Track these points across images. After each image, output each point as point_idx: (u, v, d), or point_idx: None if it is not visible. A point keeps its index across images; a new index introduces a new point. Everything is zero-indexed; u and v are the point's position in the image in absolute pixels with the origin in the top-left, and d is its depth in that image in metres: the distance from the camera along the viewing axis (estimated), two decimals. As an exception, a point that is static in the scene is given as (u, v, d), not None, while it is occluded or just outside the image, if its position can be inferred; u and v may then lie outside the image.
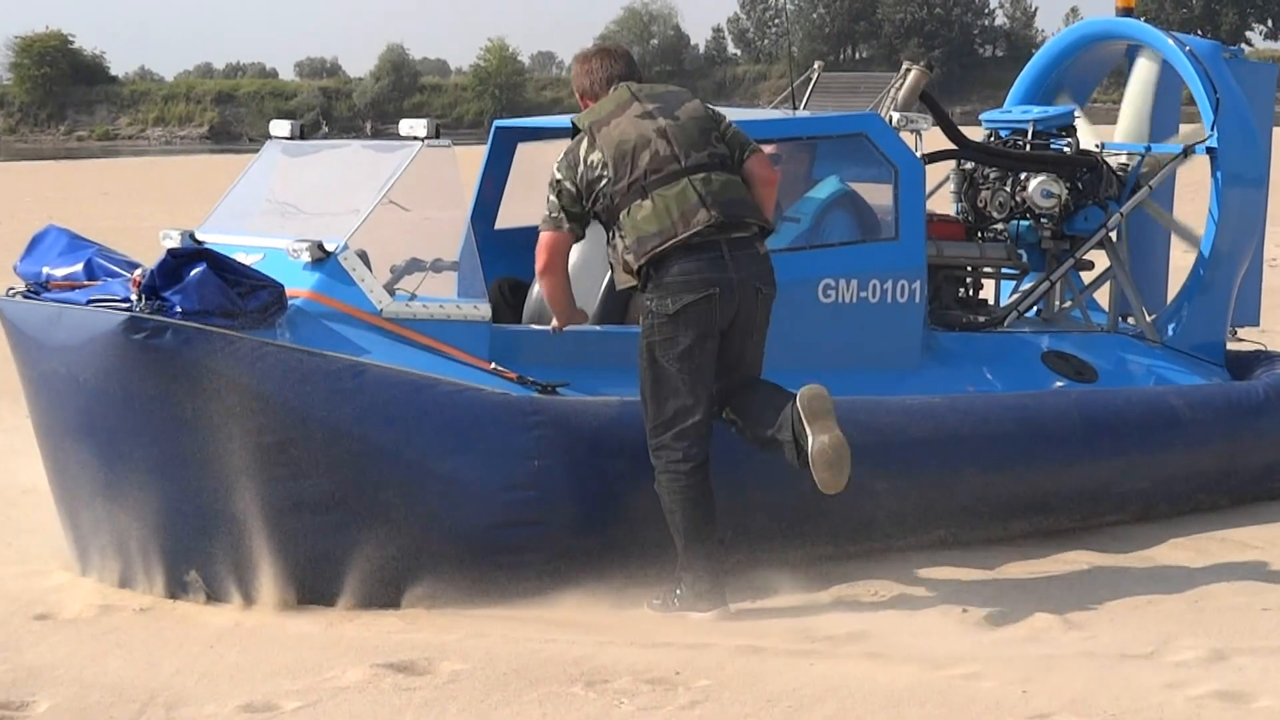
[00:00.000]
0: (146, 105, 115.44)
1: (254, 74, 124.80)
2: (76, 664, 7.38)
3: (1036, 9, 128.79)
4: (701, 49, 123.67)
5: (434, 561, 7.76)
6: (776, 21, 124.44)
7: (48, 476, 8.47)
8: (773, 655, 7.38)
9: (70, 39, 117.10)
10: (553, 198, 7.99)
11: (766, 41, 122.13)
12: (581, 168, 7.88)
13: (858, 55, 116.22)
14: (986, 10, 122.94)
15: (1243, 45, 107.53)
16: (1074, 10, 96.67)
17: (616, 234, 7.83)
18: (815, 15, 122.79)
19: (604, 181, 7.81)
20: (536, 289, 8.73)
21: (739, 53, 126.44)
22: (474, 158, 10.36)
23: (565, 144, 8.29)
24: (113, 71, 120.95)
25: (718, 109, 8.25)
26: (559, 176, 7.94)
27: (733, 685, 6.95)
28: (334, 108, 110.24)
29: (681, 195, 7.70)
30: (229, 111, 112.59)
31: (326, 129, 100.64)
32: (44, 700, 6.90)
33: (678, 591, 7.87)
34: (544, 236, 8.02)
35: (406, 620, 7.78)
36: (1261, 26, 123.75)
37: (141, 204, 38.74)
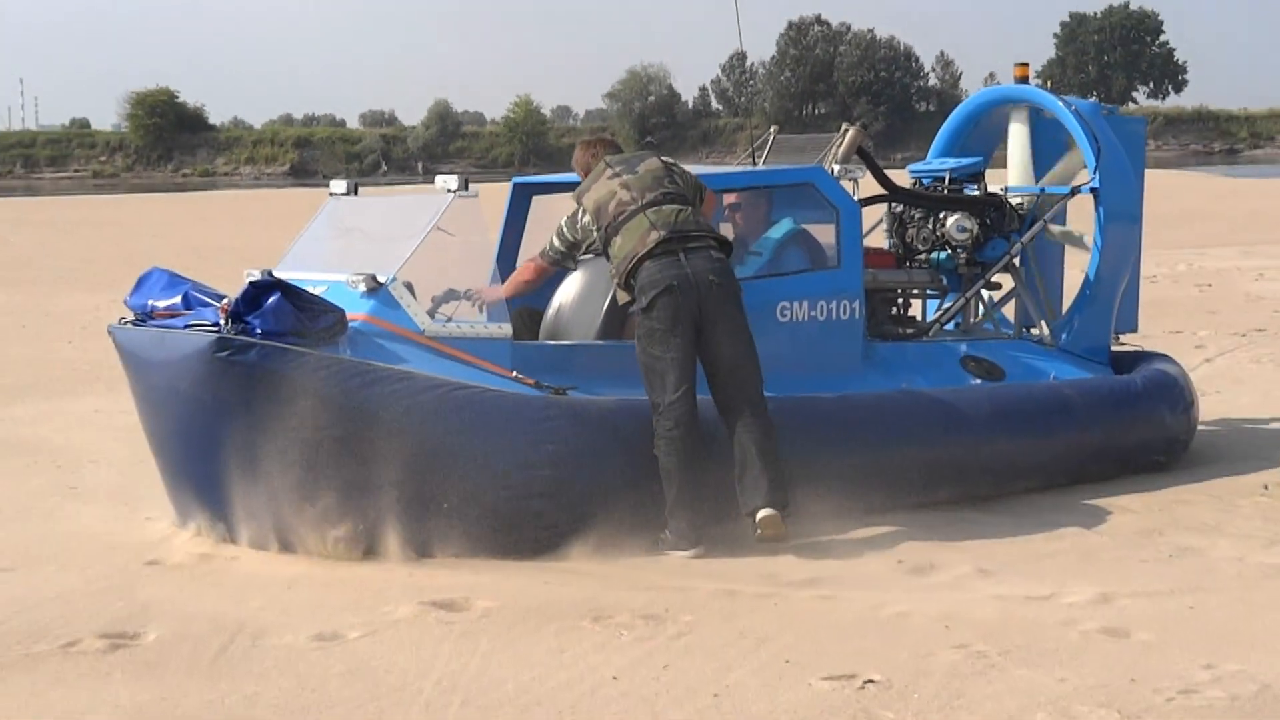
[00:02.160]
0: (239, 148, 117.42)
1: (326, 123, 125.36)
2: (179, 601, 7.64)
3: (962, 73, 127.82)
4: (690, 104, 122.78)
5: (468, 523, 8.12)
6: (750, 83, 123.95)
7: (155, 460, 8.80)
8: (744, 597, 7.64)
9: (176, 94, 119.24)
10: (555, 241, 9.00)
11: (743, 99, 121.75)
12: (577, 227, 8.86)
13: (817, 111, 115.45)
14: (921, 73, 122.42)
15: (1129, 103, 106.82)
16: (992, 75, 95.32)
17: (610, 263, 8.56)
18: (783, 77, 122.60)
19: (593, 233, 8.67)
20: (551, 311, 9.19)
21: (721, 108, 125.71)
22: (505, 192, 10.54)
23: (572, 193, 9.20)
24: (211, 120, 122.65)
25: (676, 164, 8.96)
26: (563, 228, 8.94)
27: (712, 621, 7.21)
28: (392, 151, 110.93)
29: (639, 224, 8.48)
30: (306, 153, 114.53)
31: (385, 168, 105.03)
32: (153, 631, 7.16)
33: (664, 534, 8.38)
34: (539, 262, 9.08)
35: (448, 568, 8.04)
36: (1144, 88, 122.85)
37: (234, 227, 38.92)
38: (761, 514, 8.17)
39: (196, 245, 34.33)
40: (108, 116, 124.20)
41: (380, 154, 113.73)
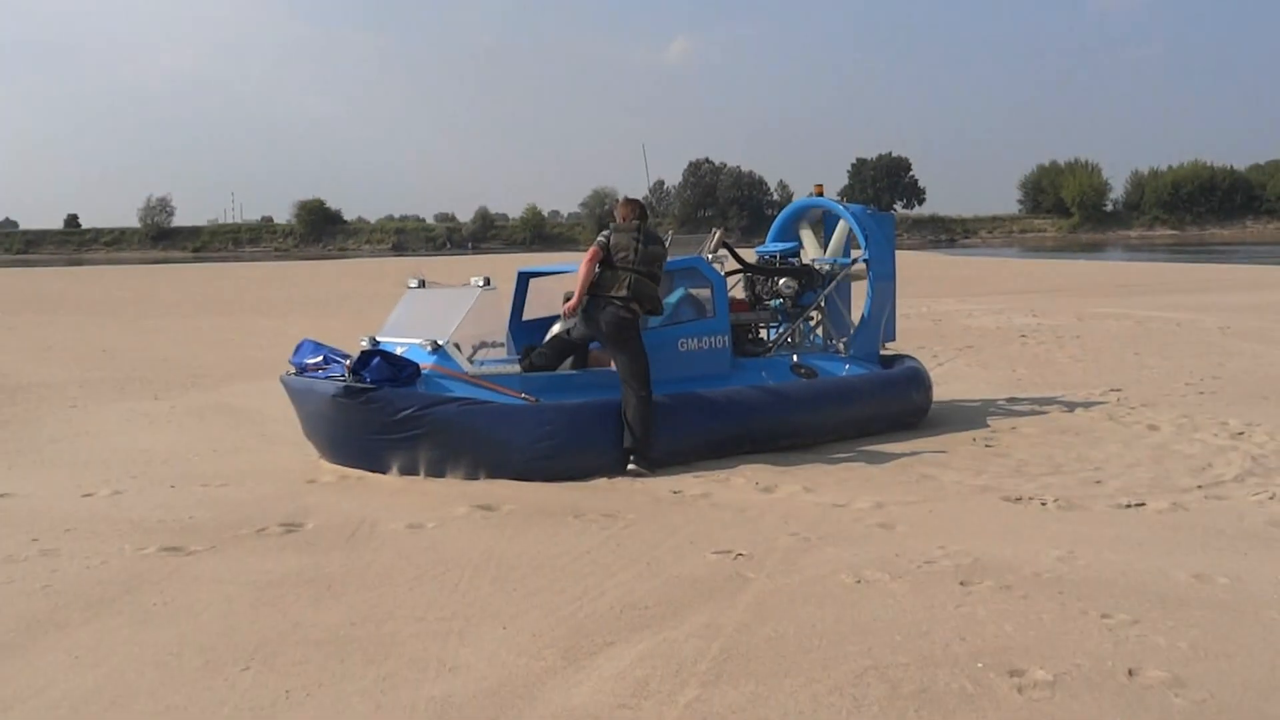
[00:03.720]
0: (361, 234, 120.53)
1: (413, 218, 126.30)
2: (327, 504, 7.61)
3: (794, 192, 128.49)
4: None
5: (502, 470, 8.16)
6: (667, 198, 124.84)
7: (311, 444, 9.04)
8: (664, 503, 7.64)
9: (324, 201, 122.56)
10: (601, 238, 8.79)
11: (663, 206, 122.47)
12: (610, 242, 8.71)
13: (707, 214, 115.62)
14: (768, 191, 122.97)
15: (892, 209, 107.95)
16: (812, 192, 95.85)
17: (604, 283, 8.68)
18: (686, 194, 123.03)
19: (614, 253, 8.65)
20: (549, 334, 9.27)
21: (649, 212, 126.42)
22: (521, 260, 10.57)
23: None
24: (345, 216, 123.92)
25: (666, 260, 9.02)
26: (605, 235, 8.80)
27: (645, 518, 7.21)
28: (452, 236, 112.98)
29: (621, 275, 8.55)
30: (401, 237, 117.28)
31: (449, 246, 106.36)
32: (311, 522, 7.14)
33: (630, 466, 8.43)
34: (592, 251, 8.77)
35: (487, 486, 8.00)
36: (900, 201, 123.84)
37: (352, 279, 38.59)
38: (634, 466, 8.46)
39: (330, 290, 34.34)
40: (284, 214, 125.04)
41: (445, 238, 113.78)
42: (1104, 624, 5.15)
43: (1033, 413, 10.98)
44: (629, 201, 9.15)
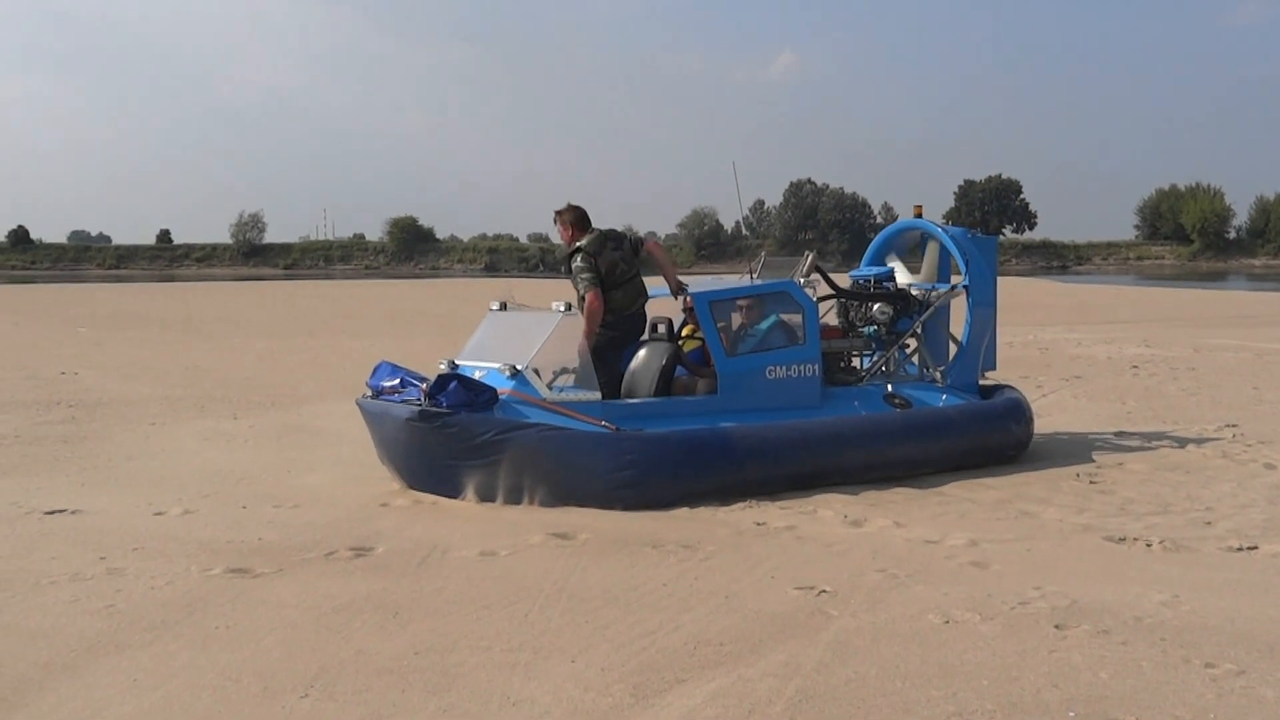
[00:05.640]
0: (454, 253, 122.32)
1: (506, 238, 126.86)
2: (399, 528, 7.67)
3: (898, 215, 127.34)
4: (729, 231, 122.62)
5: (580, 498, 8.15)
6: (767, 219, 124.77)
7: (385, 466, 9.06)
8: (747, 535, 7.56)
9: (416, 219, 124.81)
10: (589, 277, 8.96)
11: (763, 227, 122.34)
12: (603, 270, 8.99)
13: (807, 237, 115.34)
14: (871, 214, 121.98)
15: (1000, 234, 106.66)
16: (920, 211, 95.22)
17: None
18: (786, 215, 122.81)
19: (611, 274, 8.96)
20: (626, 376, 9.28)
21: (748, 234, 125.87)
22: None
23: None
24: (437, 235, 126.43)
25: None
26: (590, 269, 9.00)
27: (725, 550, 7.14)
28: (545, 257, 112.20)
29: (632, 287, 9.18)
30: (494, 257, 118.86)
31: (542, 267, 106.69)
32: (381, 546, 7.19)
33: None
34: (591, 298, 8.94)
35: (564, 514, 7.98)
36: (1010, 226, 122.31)
37: (444, 300, 38.87)
38: None
39: (417, 310, 34.76)
40: (376, 231, 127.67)
41: (538, 259, 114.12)
42: (1207, 674, 4.97)
43: (1141, 448, 10.71)
44: (574, 212, 9.26)
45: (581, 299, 8.94)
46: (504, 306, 9.43)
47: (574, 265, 9.02)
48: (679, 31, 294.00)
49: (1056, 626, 5.57)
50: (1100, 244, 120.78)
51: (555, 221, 9.29)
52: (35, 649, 5.32)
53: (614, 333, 9.03)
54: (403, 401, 8.44)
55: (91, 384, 15.96)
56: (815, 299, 9.93)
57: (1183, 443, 10.99)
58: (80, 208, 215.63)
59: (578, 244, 9.10)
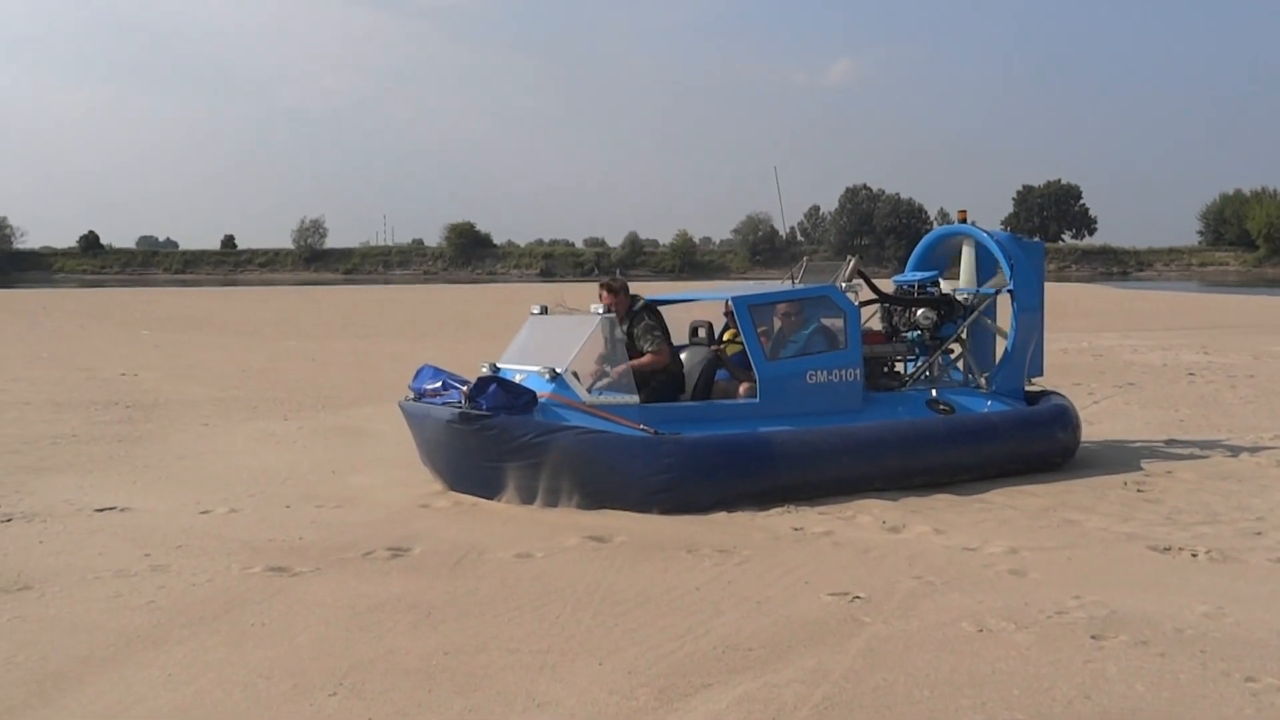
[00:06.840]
0: (510, 258, 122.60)
1: (561, 244, 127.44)
2: (436, 530, 7.71)
3: (953, 221, 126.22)
4: (784, 236, 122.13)
5: (618, 501, 8.16)
6: (822, 224, 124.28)
7: (427, 467, 9.17)
8: (782, 540, 7.50)
9: (474, 224, 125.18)
10: (661, 343, 9.10)
11: (818, 233, 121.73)
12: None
13: (863, 242, 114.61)
14: (927, 219, 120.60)
15: (1059, 241, 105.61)
16: (944, 213, 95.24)
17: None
18: (841, 221, 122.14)
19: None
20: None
21: (803, 239, 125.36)
22: (664, 288, 10.58)
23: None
24: (494, 241, 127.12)
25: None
26: (658, 332, 9.17)
27: (760, 554, 7.11)
28: (601, 261, 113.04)
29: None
30: (549, 262, 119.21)
31: (597, 271, 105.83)
32: (418, 547, 7.23)
33: None
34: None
35: (601, 517, 7.98)
36: (1069, 232, 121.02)
37: (499, 306, 39.20)
38: None
39: (470, 314, 34.97)
40: (434, 237, 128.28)
41: (594, 263, 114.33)
42: (1247, 688, 4.86)
43: (1192, 456, 10.52)
44: (622, 282, 9.38)
45: (640, 352, 9.02)
46: (545, 310, 9.46)
47: (645, 322, 9.11)
48: (737, 37, 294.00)
49: (1093, 637, 5.48)
50: (1162, 249, 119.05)
51: (602, 289, 9.27)
52: (76, 642, 5.42)
53: (655, 384, 9.03)
54: (444, 404, 8.50)
55: (149, 385, 16.20)
56: (858, 303, 9.87)
57: (1236, 451, 10.80)
58: (148, 213, 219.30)
59: (645, 299, 9.31)
